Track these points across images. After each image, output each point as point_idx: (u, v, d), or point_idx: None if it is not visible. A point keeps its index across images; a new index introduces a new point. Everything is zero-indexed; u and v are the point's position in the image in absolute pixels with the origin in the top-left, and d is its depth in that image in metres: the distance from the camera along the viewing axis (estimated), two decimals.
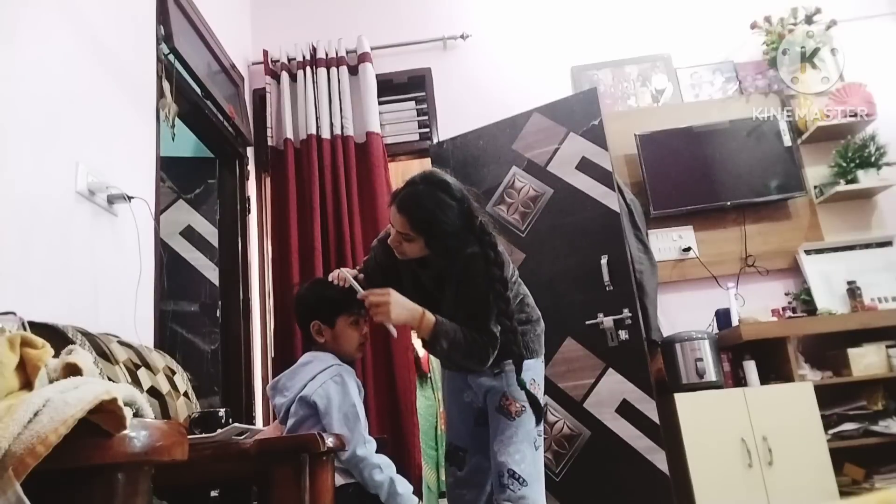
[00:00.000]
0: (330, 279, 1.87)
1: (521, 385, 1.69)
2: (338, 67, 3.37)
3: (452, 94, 3.52)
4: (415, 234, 1.66)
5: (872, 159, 3.10)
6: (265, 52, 3.42)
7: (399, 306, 1.64)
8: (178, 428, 0.80)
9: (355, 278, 1.83)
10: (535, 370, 1.81)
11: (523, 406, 1.73)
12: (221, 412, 1.49)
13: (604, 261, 2.80)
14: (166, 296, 3.07)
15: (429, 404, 3.47)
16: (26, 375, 0.82)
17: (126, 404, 0.73)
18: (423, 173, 1.75)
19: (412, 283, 1.83)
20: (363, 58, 3.39)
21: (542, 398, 1.82)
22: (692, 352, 2.82)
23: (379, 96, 3.39)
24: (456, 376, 1.93)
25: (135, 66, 2.22)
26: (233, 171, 3.29)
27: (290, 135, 3.28)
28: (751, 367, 2.81)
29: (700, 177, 3.22)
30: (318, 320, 1.84)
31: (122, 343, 1.62)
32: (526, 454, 1.70)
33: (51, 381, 0.81)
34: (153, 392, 1.57)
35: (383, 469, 1.69)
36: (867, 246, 3.13)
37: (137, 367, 1.57)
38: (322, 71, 3.36)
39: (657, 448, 2.59)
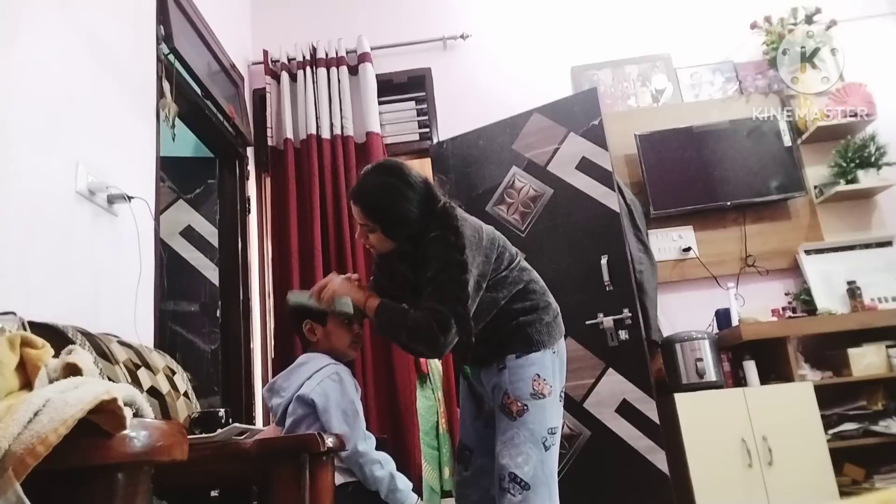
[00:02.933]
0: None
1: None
2: (338, 67, 3.37)
3: (452, 94, 3.51)
4: (371, 223, 1.68)
5: (872, 159, 3.10)
6: (265, 52, 3.42)
7: (342, 282, 1.75)
8: (178, 428, 0.80)
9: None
10: (539, 364, 1.69)
11: (525, 405, 1.65)
12: (221, 412, 1.49)
13: (604, 261, 2.80)
14: (166, 296, 3.07)
15: (429, 404, 3.47)
16: (26, 375, 0.82)
17: (126, 404, 0.73)
18: (376, 162, 1.79)
19: (402, 279, 1.82)
20: (363, 58, 3.39)
21: (553, 393, 1.69)
22: (692, 352, 2.82)
23: (379, 96, 3.39)
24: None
25: (135, 66, 2.22)
26: (233, 171, 3.28)
27: (290, 135, 3.28)
28: (751, 367, 2.81)
29: (700, 177, 3.22)
30: (310, 319, 1.86)
31: (122, 343, 1.62)
32: (531, 456, 1.63)
33: (51, 381, 0.81)
34: (153, 392, 1.57)
35: (384, 465, 1.69)
36: (867, 246, 3.13)
37: (137, 367, 1.57)
38: (322, 71, 3.35)
39: (657, 448, 2.59)
